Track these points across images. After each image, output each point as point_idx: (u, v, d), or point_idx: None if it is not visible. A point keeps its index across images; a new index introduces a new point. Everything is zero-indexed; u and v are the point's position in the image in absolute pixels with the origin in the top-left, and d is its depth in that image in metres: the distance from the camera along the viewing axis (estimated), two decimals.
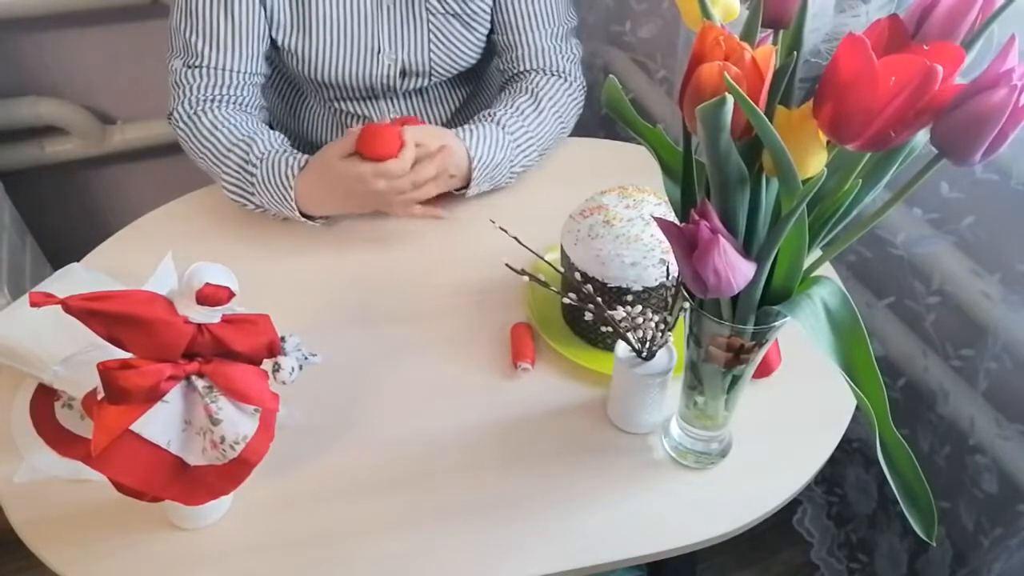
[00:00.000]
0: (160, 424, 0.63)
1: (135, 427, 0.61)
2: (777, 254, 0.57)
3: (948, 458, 1.02)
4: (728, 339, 0.64)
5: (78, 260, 0.95)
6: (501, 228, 0.82)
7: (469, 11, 1.07)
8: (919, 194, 0.98)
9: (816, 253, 0.60)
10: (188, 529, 0.71)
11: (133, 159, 1.66)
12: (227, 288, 0.60)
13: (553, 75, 1.10)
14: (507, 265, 0.78)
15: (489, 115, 1.05)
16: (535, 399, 0.83)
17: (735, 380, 0.69)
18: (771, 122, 0.51)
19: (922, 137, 0.53)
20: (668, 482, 0.76)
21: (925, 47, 0.46)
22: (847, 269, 1.14)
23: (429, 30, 1.07)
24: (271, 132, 1.02)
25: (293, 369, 0.69)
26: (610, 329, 0.80)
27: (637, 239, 0.80)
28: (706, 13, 0.55)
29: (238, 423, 0.64)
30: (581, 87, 1.13)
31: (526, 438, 0.80)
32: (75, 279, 0.89)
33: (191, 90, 1.01)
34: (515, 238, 0.81)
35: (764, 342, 0.65)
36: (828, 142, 0.53)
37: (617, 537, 0.72)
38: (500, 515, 0.73)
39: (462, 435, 0.80)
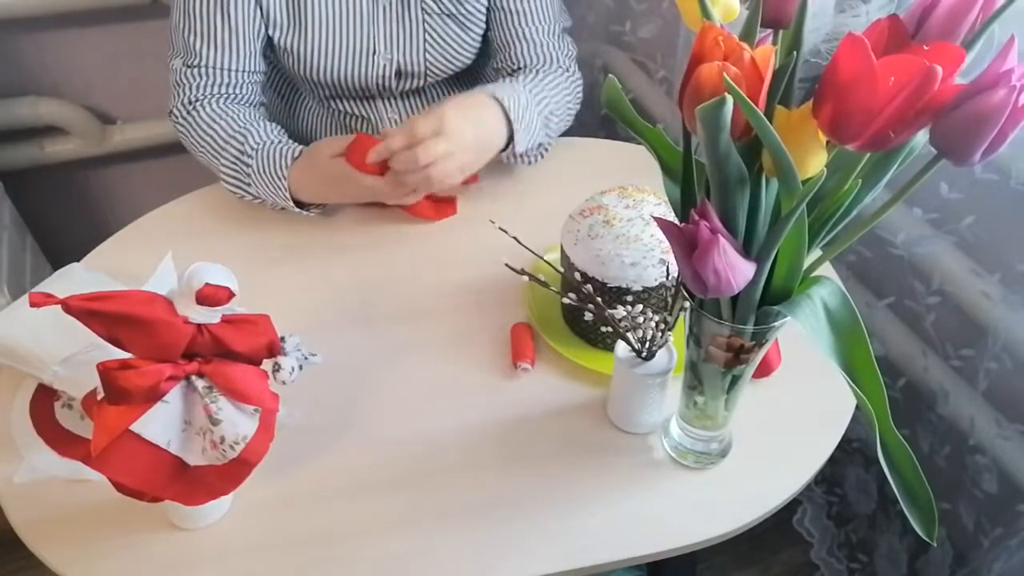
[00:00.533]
0: (160, 424, 0.63)
1: (135, 427, 0.62)
2: (777, 254, 0.57)
3: (948, 458, 1.02)
4: (728, 339, 0.64)
5: (78, 260, 0.95)
6: (501, 228, 0.82)
7: (464, 11, 1.07)
8: (919, 194, 0.98)
9: (816, 253, 0.60)
10: (188, 529, 0.71)
11: (133, 159, 1.66)
12: (227, 288, 0.60)
13: (553, 65, 1.11)
14: (507, 265, 0.78)
15: (498, 81, 1.05)
16: (535, 399, 0.83)
17: (735, 380, 0.69)
18: (771, 122, 0.51)
19: (922, 137, 0.53)
20: (668, 482, 0.76)
21: (925, 47, 0.46)
22: (847, 269, 1.14)
23: (425, 30, 1.07)
24: (267, 123, 1.03)
25: (293, 369, 0.70)
26: (610, 329, 0.80)
27: (637, 239, 0.80)
28: (706, 13, 0.55)
29: (238, 423, 0.64)
30: (579, 80, 1.13)
31: (526, 438, 0.80)
32: (75, 279, 0.89)
33: (191, 88, 1.03)
34: (515, 238, 0.81)
35: (764, 342, 0.65)
36: (828, 142, 0.53)
37: (617, 537, 0.72)
38: (500, 515, 0.73)
39: (462, 435, 0.80)
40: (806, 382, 0.83)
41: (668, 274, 0.80)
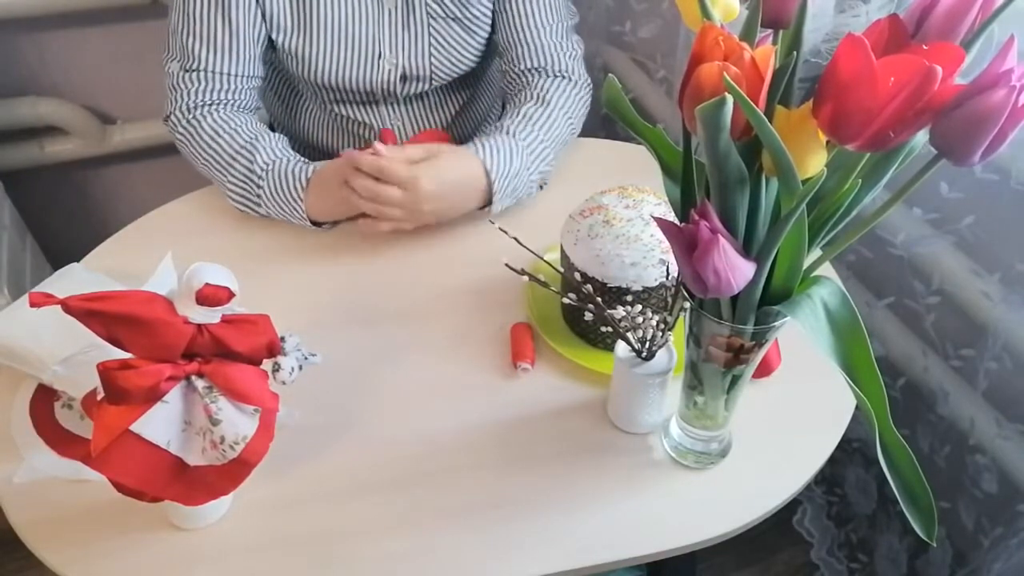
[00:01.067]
0: (160, 424, 0.63)
1: (135, 427, 0.62)
2: (777, 254, 0.57)
3: (948, 458, 1.02)
4: (728, 339, 0.64)
5: (78, 260, 0.95)
6: (501, 228, 0.82)
7: (469, 15, 1.07)
8: (919, 194, 0.98)
9: (816, 253, 0.60)
10: (188, 529, 0.71)
11: (133, 159, 1.66)
12: (227, 288, 0.60)
13: (556, 76, 1.09)
14: (507, 265, 0.78)
15: (497, 127, 1.03)
16: (535, 399, 0.83)
17: (735, 380, 0.69)
18: (771, 122, 0.51)
19: (921, 137, 0.53)
20: (668, 482, 0.76)
21: (925, 47, 0.46)
22: (847, 269, 1.14)
23: (430, 34, 1.07)
24: (271, 136, 1.02)
25: (293, 369, 0.70)
26: (610, 329, 0.80)
27: (637, 239, 0.80)
28: (706, 13, 0.55)
29: (238, 423, 0.64)
30: (587, 85, 1.12)
31: (526, 438, 0.80)
32: (75, 279, 0.89)
33: (188, 94, 1.01)
34: (515, 238, 0.81)
35: (764, 342, 0.65)
36: (828, 142, 0.53)
37: (617, 537, 0.72)
38: (500, 515, 0.73)
39: (462, 435, 0.80)
40: (806, 382, 0.83)
41: (668, 274, 0.80)
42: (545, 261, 0.86)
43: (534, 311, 0.89)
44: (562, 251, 0.86)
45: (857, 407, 0.80)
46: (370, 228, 0.97)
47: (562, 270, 0.85)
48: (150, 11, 1.47)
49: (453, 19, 1.06)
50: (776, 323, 0.62)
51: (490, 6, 1.08)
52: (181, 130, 1.01)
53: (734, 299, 0.61)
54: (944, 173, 0.94)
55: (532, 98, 1.06)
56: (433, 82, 1.12)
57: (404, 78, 1.09)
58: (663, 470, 0.77)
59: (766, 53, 0.51)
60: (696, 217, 0.53)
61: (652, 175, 0.69)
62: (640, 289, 0.81)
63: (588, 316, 0.77)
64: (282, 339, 0.69)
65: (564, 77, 1.09)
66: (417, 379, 0.85)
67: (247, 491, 0.68)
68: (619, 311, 0.73)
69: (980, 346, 0.94)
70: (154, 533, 0.71)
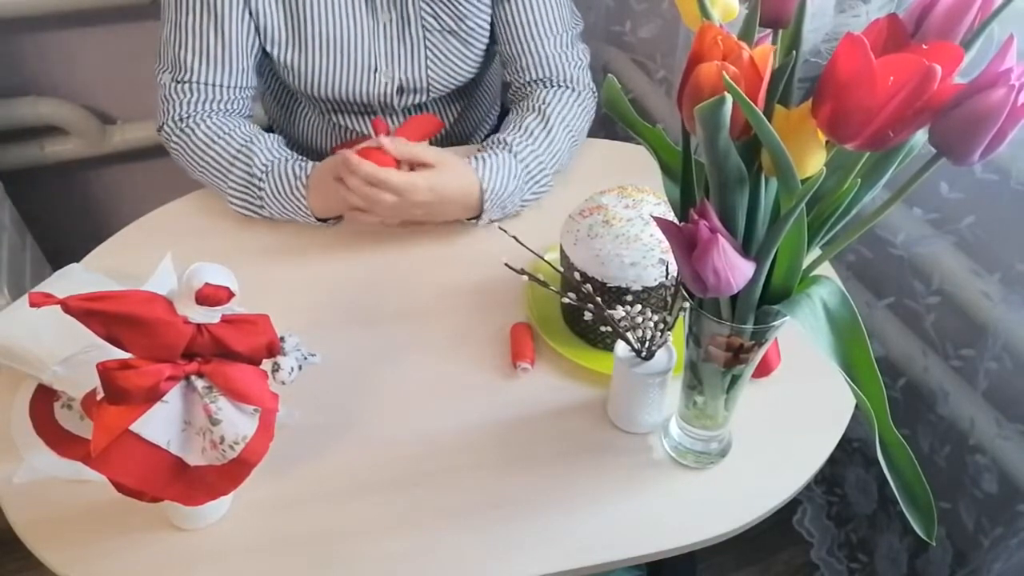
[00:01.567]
0: (160, 424, 0.63)
1: (134, 427, 0.62)
2: (776, 253, 0.57)
3: (948, 458, 1.02)
4: (728, 339, 0.64)
5: (78, 260, 0.95)
6: (501, 228, 0.82)
7: (466, 28, 1.06)
8: (919, 194, 0.98)
9: (815, 253, 0.60)
10: (188, 529, 0.71)
11: (133, 159, 1.66)
12: (226, 288, 0.60)
13: (560, 86, 1.08)
14: (507, 265, 0.78)
15: (500, 141, 1.02)
16: (535, 399, 0.83)
17: (735, 380, 0.69)
18: (770, 122, 0.51)
19: (921, 137, 0.53)
20: (668, 482, 0.76)
21: (924, 47, 0.46)
22: (847, 269, 1.14)
23: (426, 47, 1.06)
24: (266, 136, 1.02)
25: (292, 369, 0.70)
26: (610, 329, 0.80)
27: (636, 239, 0.80)
28: (705, 13, 0.55)
29: (238, 423, 0.64)
30: (591, 94, 1.11)
31: (526, 438, 0.80)
32: (75, 279, 0.89)
33: (180, 105, 1.00)
34: (514, 238, 0.81)
35: (763, 342, 0.65)
36: (827, 141, 0.53)
37: (617, 537, 0.72)
38: (500, 515, 0.73)
39: (462, 435, 0.80)
40: (806, 382, 0.83)
41: (668, 274, 0.80)
42: (545, 261, 0.86)
43: (534, 311, 0.89)
44: (562, 251, 0.86)
45: (857, 407, 0.80)
46: (359, 219, 0.97)
47: (562, 270, 0.85)
48: (150, 11, 1.46)
49: (449, 32, 1.06)
50: (776, 323, 0.62)
51: (487, 19, 1.08)
52: (175, 140, 1.01)
53: (734, 299, 0.61)
54: (944, 173, 0.94)
55: (534, 110, 1.06)
56: (430, 94, 1.11)
57: (401, 90, 1.09)
58: (663, 470, 0.77)
59: (765, 53, 0.51)
60: (695, 217, 0.53)
61: (652, 175, 0.69)
62: (640, 289, 0.81)
63: (588, 316, 0.77)
64: (282, 339, 0.69)
65: (568, 87, 1.08)
66: (417, 379, 0.85)
67: (247, 491, 0.68)
68: (619, 311, 0.73)
69: (980, 346, 0.94)
70: (154, 533, 0.71)
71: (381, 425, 0.81)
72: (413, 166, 0.96)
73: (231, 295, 0.61)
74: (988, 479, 0.96)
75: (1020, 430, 0.93)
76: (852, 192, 0.55)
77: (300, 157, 1.00)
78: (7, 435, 0.77)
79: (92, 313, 0.59)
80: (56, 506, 0.72)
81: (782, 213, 0.54)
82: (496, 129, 1.14)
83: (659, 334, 0.74)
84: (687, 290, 0.63)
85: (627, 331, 0.74)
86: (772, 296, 0.61)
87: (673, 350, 0.77)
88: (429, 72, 1.08)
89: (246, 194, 0.99)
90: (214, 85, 1.01)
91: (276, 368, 0.69)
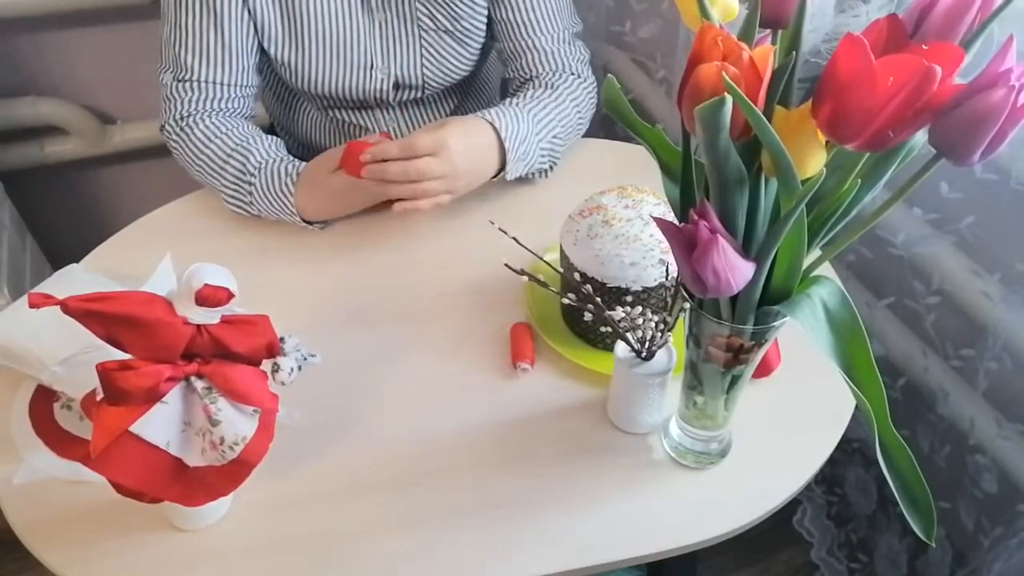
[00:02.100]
0: (159, 425, 0.63)
1: (134, 428, 0.61)
2: (776, 254, 0.57)
3: (948, 458, 1.02)
4: (727, 339, 0.64)
5: (78, 260, 0.95)
6: (500, 229, 0.82)
7: (461, 28, 1.07)
8: (919, 194, 0.98)
9: (816, 253, 0.60)
10: (188, 530, 0.71)
11: (133, 159, 1.66)
12: (226, 289, 0.60)
13: (565, 72, 1.10)
14: (507, 265, 0.78)
15: (505, 103, 1.04)
16: (535, 399, 0.83)
17: (735, 380, 0.69)
18: (770, 122, 0.51)
19: (921, 137, 0.53)
20: (668, 482, 0.76)
21: (924, 47, 0.46)
22: (847, 269, 1.14)
23: (422, 46, 1.07)
24: (266, 138, 1.02)
25: (292, 369, 0.70)
26: (609, 329, 0.80)
27: (636, 239, 0.80)
28: (704, 13, 0.55)
29: (237, 424, 0.64)
30: (594, 86, 1.12)
31: (526, 438, 0.80)
32: (75, 280, 0.89)
33: (182, 103, 1.01)
34: (514, 238, 0.81)
35: (763, 342, 0.65)
36: (827, 142, 0.53)
37: (617, 537, 0.72)
38: (500, 515, 0.73)
39: (462, 435, 0.80)
40: (806, 382, 0.83)
41: (668, 274, 0.80)
42: (545, 261, 0.86)
43: (534, 311, 0.89)
44: (561, 251, 0.86)
45: (857, 407, 0.80)
46: (410, 207, 0.93)
47: (562, 270, 0.85)
48: (150, 11, 1.46)
49: (445, 31, 1.06)
50: (776, 323, 0.62)
51: (484, 18, 1.08)
52: (175, 138, 1.02)
53: (734, 299, 0.61)
54: (944, 173, 0.94)
55: (542, 86, 1.07)
56: (427, 90, 1.12)
57: (397, 86, 1.10)
58: (663, 470, 0.77)
59: (765, 53, 0.51)
60: (695, 217, 0.53)
61: (652, 175, 0.69)
62: (640, 289, 0.81)
63: (588, 316, 0.77)
64: (281, 339, 0.69)
65: (574, 75, 1.10)
66: (417, 379, 0.85)
67: (247, 491, 0.68)
68: (618, 311, 0.73)
69: (980, 346, 0.94)
70: (154, 533, 0.71)
71: (381, 425, 0.81)
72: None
73: (231, 296, 0.61)
74: (988, 479, 0.96)
75: (1020, 430, 0.93)
76: (852, 192, 0.55)
77: (295, 159, 1.00)
78: (7, 435, 0.77)
79: (91, 314, 0.59)
80: (56, 506, 0.72)
81: (782, 214, 0.54)
82: None
83: (659, 334, 0.74)
84: (687, 290, 0.63)
85: (627, 331, 0.74)
86: (772, 296, 0.61)
87: (673, 350, 0.77)
88: (425, 70, 1.09)
89: (237, 189, 0.99)
90: (214, 83, 1.01)
91: (276, 369, 0.69)
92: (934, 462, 1.04)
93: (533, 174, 1.06)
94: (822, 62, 0.94)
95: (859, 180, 0.55)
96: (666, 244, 0.80)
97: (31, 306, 0.57)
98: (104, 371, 0.60)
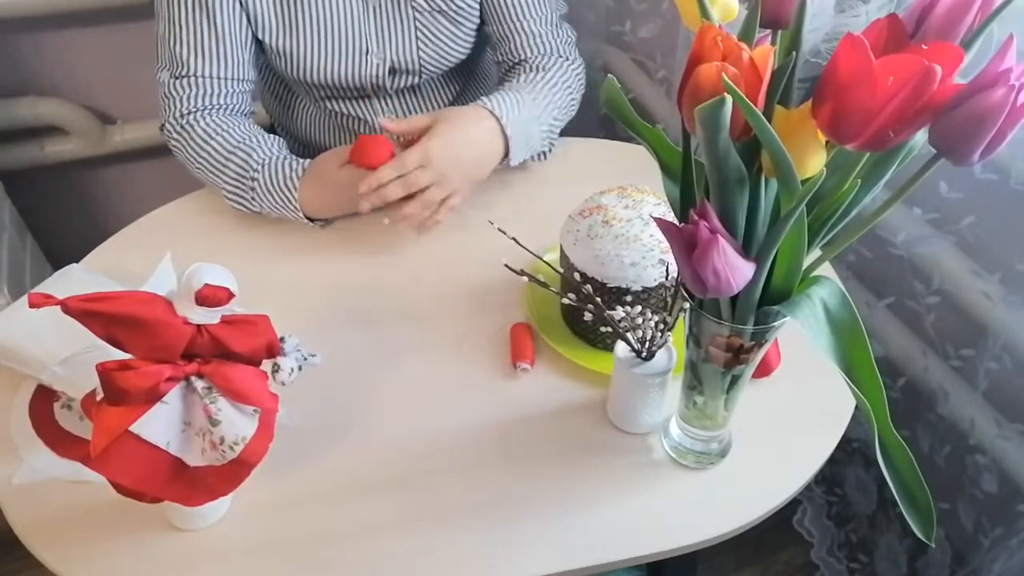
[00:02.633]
0: (159, 425, 0.63)
1: (134, 428, 0.62)
2: (776, 254, 0.57)
3: (948, 458, 1.02)
4: (728, 339, 0.64)
5: (78, 260, 0.95)
6: (500, 229, 0.82)
7: (455, 7, 1.07)
8: (919, 194, 0.98)
9: (816, 253, 0.60)
10: (188, 530, 0.71)
11: (133, 159, 1.66)
12: (226, 289, 0.60)
13: (554, 55, 1.11)
14: (506, 265, 0.78)
15: (503, 88, 1.05)
16: (535, 399, 0.83)
17: (735, 380, 0.69)
18: (770, 122, 0.51)
19: (921, 137, 0.53)
20: (668, 482, 0.76)
21: (924, 47, 0.46)
22: (847, 269, 1.14)
23: (416, 27, 1.07)
24: (268, 136, 1.03)
25: (292, 370, 0.69)
26: (609, 329, 0.80)
27: (636, 239, 0.80)
28: (704, 13, 0.55)
29: (237, 424, 0.64)
30: (583, 67, 1.13)
31: (526, 438, 0.80)
32: (74, 280, 0.89)
33: (180, 100, 1.01)
34: (514, 239, 0.81)
35: (764, 342, 0.65)
36: (827, 142, 0.53)
37: (617, 537, 0.72)
38: (500, 515, 0.73)
39: (462, 435, 0.80)
40: (806, 382, 0.83)
41: (668, 274, 0.80)
42: (545, 261, 0.86)
43: (534, 311, 0.89)
44: (562, 251, 0.86)
45: (857, 407, 0.80)
46: (428, 223, 0.97)
47: (562, 270, 0.85)
48: (150, 11, 1.45)
49: (439, 12, 1.07)
50: (776, 323, 0.62)
51: None
52: (176, 136, 1.02)
53: (734, 299, 0.61)
54: (944, 173, 0.94)
55: (533, 69, 1.09)
56: (423, 75, 1.12)
57: (393, 72, 1.10)
58: (663, 470, 0.77)
59: (765, 53, 0.51)
60: (695, 217, 0.53)
61: (652, 175, 0.69)
62: (640, 289, 0.81)
63: (588, 316, 0.77)
64: (282, 340, 0.69)
65: (563, 58, 1.11)
66: (417, 379, 0.85)
67: (247, 492, 0.68)
68: (619, 311, 0.73)
69: (980, 346, 0.94)
70: (154, 533, 0.71)
71: (381, 425, 0.81)
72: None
73: (231, 296, 0.61)
74: (988, 479, 0.96)
75: (1020, 430, 0.93)
76: (852, 193, 0.55)
77: (299, 158, 1.00)
78: (7, 435, 0.77)
79: (92, 314, 0.59)
80: (56, 506, 0.72)
81: (782, 214, 0.54)
82: None
83: (659, 335, 0.74)
84: (687, 290, 0.63)
85: (627, 331, 0.74)
86: (772, 297, 0.61)
87: (673, 350, 0.77)
88: (420, 53, 1.09)
89: (239, 184, 0.99)
90: (211, 78, 1.01)
91: (276, 369, 0.69)
92: (934, 462, 1.04)
93: (534, 157, 1.08)
94: (822, 62, 0.95)
95: (859, 180, 0.55)
96: (666, 244, 0.80)
97: (31, 306, 0.57)
98: (104, 371, 0.60)
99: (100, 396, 0.62)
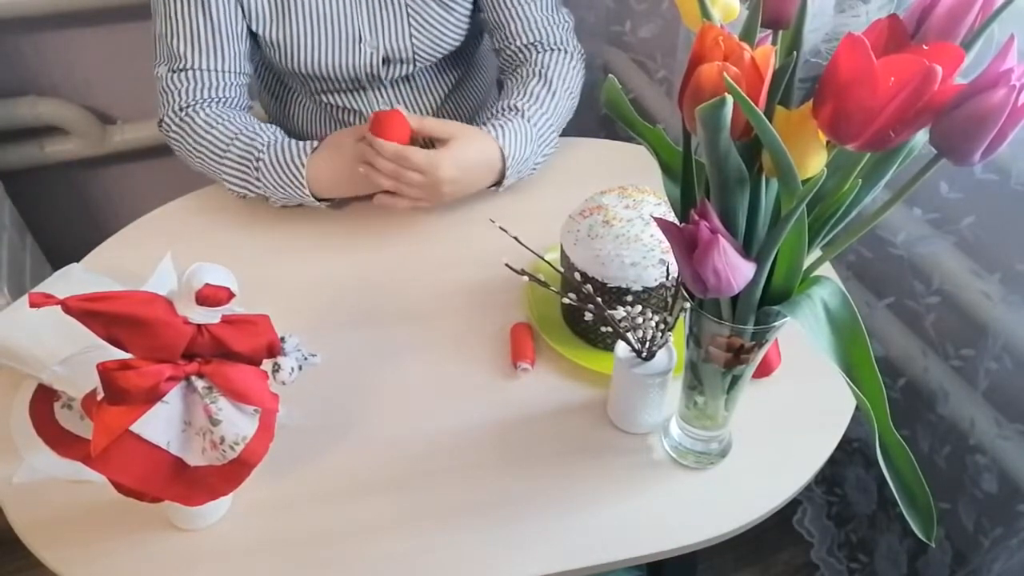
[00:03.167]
0: (160, 425, 0.63)
1: (135, 428, 0.62)
2: (777, 254, 0.57)
3: (948, 458, 1.02)
4: (728, 339, 0.64)
5: (78, 260, 0.95)
6: (501, 228, 0.82)
7: None
8: (919, 194, 0.98)
9: (816, 253, 0.60)
10: (188, 530, 0.71)
11: (133, 159, 1.66)
12: (227, 288, 0.60)
13: (553, 50, 1.11)
14: (507, 265, 0.78)
15: (511, 107, 1.05)
16: (535, 399, 0.83)
17: (735, 380, 0.69)
18: (771, 122, 0.51)
19: (921, 137, 0.53)
20: (668, 482, 0.76)
21: (925, 47, 0.46)
22: (847, 269, 1.14)
23: (408, 15, 1.07)
24: (267, 125, 1.03)
25: (293, 369, 0.69)
26: (610, 329, 0.80)
27: (637, 239, 0.80)
28: (705, 13, 0.55)
29: (238, 423, 0.64)
30: (580, 55, 1.13)
31: (526, 438, 0.80)
32: (75, 279, 0.89)
33: (179, 94, 1.01)
34: (515, 238, 0.81)
35: (764, 342, 0.65)
36: (828, 142, 0.53)
37: (617, 537, 0.72)
38: (500, 515, 0.73)
39: (462, 435, 0.80)
40: (806, 382, 0.83)
41: (668, 274, 0.80)
42: (545, 261, 0.86)
43: (534, 311, 0.89)
44: (562, 251, 0.86)
45: (857, 407, 0.80)
46: (388, 203, 1.00)
47: (562, 270, 0.85)
48: (149, 11, 1.46)
49: None
50: (776, 323, 0.62)
51: None
52: (175, 130, 1.02)
53: (734, 299, 0.61)
54: (944, 173, 0.94)
55: (535, 75, 1.09)
56: (417, 64, 1.12)
57: (386, 61, 1.10)
58: (663, 470, 0.77)
59: (766, 53, 0.51)
60: (696, 217, 0.53)
61: (652, 175, 0.69)
62: (640, 289, 0.81)
63: (588, 316, 0.77)
64: (282, 339, 0.69)
65: (560, 50, 1.11)
66: (417, 379, 0.85)
67: (247, 491, 0.68)
68: (619, 311, 0.73)
69: (980, 346, 0.94)
70: (154, 533, 0.71)
71: (381, 425, 0.81)
72: (433, 143, 0.98)
73: (231, 295, 0.61)
74: (988, 479, 0.96)
75: (1020, 430, 0.93)
76: (853, 193, 0.55)
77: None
78: (7, 435, 0.77)
79: (92, 314, 0.59)
80: (56, 506, 0.72)
81: (783, 214, 0.54)
82: None
83: (659, 335, 0.74)
84: (687, 290, 0.63)
85: (627, 331, 0.74)
86: (772, 297, 0.61)
87: (673, 350, 0.77)
88: (414, 40, 1.09)
89: (243, 166, 0.99)
90: (208, 71, 1.01)
91: (276, 368, 0.69)
92: (934, 462, 1.04)
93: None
94: (823, 62, 0.95)
95: (859, 180, 0.55)
96: (666, 244, 0.80)
97: (31, 306, 0.57)
98: (104, 371, 0.60)
99: (100, 396, 0.62)
